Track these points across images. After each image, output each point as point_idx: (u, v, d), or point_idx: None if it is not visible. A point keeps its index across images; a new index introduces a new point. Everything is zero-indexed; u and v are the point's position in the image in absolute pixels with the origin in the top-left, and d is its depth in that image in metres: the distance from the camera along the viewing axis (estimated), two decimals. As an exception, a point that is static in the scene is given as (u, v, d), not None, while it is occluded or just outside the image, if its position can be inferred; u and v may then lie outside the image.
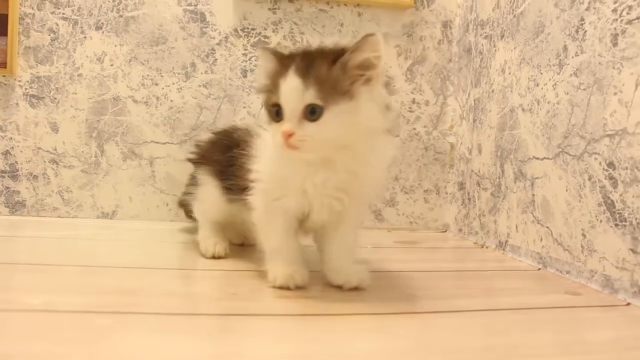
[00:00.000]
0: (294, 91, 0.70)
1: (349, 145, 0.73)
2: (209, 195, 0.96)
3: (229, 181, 0.88)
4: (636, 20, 0.80)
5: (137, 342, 0.56)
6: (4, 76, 1.30)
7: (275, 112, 0.73)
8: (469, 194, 1.35)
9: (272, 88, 0.74)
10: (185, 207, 1.17)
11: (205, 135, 1.12)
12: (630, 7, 0.81)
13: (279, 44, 1.38)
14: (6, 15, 1.28)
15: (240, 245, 1.09)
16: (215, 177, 0.95)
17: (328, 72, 0.71)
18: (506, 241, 1.15)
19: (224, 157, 0.91)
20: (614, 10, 0.84)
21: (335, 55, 0.72)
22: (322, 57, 0.72)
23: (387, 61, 1.43)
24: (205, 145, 1.03)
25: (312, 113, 0.70)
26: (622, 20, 0.82)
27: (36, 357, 0.50)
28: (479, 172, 1.29)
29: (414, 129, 1.47)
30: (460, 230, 1.40)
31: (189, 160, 1.09)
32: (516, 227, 1.11)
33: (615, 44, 0.83)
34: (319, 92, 0.69)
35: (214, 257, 0.97)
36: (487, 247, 1.23)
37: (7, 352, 0.51)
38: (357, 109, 0.71)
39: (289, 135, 0.70)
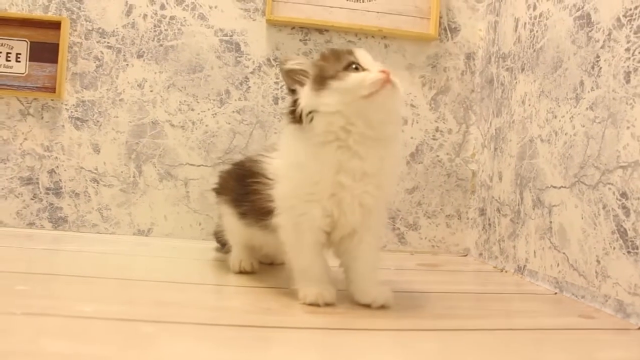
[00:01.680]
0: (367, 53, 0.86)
1: (383, 127, 0.82)
2: (230, 221, 1.03)
3: (243, 207, 0.94)
4: (648, 60, 0.85)
5: (180, 348, 0.61)
6: (52, 100, 1.40)
7: (351, 67, 0.83)
8: (489, 219, 1.39)
9: (336, 60, 0.85)
10: (216, 235, 1.25)
11: (226, 167, 1.19)
12: (642, 47, 0.86)
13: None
14: (57, 44, 1.37)
15: (270, 264, 1.15)
16: (231, 205, 1.01)
17: None
18: (524, 266, 1.19)
19: (238, 185, 0.97)
20: (627, 50, 0.89)
21: None
22: None
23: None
24: (224, 175, 1.10)
25: None
26: (634, 59, 0.87)
27: (90, 358, 0.56)
28: (499, 198, 1.33)
29: (437, 156, 1.52)
30: (480, 254, 1.44)
31: (213, 190, 1.15)
32: (534, 252, 1.15)
33: (628, 81, 0.88)
34: None
35: (240, 272, 1.04)
36: (506, 271, 1.27)
37: (64, 352, 0.57)
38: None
39: (386, 72, 0.80)
